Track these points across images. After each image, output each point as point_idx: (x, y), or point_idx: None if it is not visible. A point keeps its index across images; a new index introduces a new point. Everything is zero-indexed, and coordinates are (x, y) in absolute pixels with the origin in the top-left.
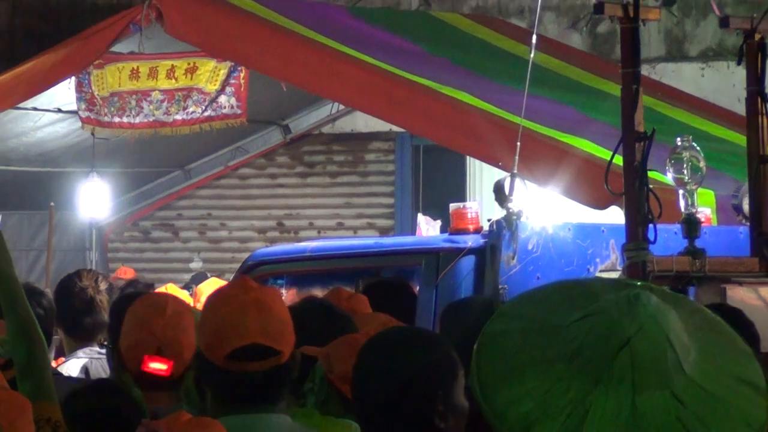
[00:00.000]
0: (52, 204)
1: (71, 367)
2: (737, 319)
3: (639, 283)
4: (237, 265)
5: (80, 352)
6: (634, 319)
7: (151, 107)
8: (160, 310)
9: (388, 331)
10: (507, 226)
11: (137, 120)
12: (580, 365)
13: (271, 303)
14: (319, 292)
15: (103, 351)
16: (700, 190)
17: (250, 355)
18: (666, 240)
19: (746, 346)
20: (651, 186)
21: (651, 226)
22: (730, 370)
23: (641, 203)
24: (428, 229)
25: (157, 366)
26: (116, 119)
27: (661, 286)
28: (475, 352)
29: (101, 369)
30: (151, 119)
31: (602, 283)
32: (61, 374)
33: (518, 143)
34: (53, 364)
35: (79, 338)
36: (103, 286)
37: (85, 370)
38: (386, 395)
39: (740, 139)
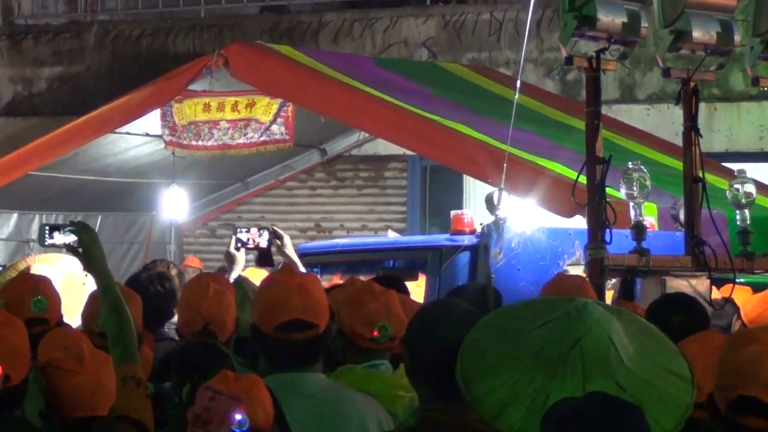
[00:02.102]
0: (153, 213)
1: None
2: (692, 305)
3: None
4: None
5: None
6: (582, 323)
7: (220, 133)
8: (204, 292)
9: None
10: (495, 229)
11: (209, 143)
12: (541, 361)
13: (311, 286)
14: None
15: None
16: (645, 203)
17: (293, 327)
18: (619, 241)
19: (674, 346)
20: (608, 199)
21: (607, 230)
22: (661, 364)
23: (600, 212)
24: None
25: None
26: (193, 142)
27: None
28: (459, 355)
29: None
30: (219, 143)
31: (560, 298)
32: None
33: (504, 165)
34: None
35: None
36: (173, 272)
37: None
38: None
39: (677, 164)
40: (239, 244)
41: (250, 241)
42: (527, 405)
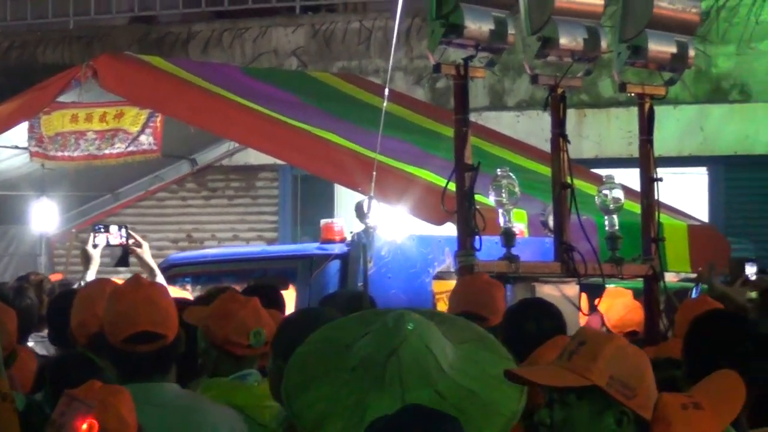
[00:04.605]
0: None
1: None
2: (549, 311)
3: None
4: None
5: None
6: (399, 333)
7: (86, 144)
8: (100, 295)
9: None
10: (365, 237)
11: (75, 154)
12: (360, 373)
13: (158, 297)
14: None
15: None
16: (515, 209)
17: (141, 339)
18: (489, 248)
19: (508, 354)
20: (477, 206)
21: (477, 237)
22: (489, 372)
23: (469, 219)
24: None
25: None
26: (59, 153)
27: (441, 312)
28: (286, 368)
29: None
30: (86, 153)
31: (384, 309)
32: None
33: (374, 173)
34: None
35: None
36: (47, 285)
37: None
38: None
39: (546, 171)
40: (96, 243)
41: (108, 239)
42: (346, 418)
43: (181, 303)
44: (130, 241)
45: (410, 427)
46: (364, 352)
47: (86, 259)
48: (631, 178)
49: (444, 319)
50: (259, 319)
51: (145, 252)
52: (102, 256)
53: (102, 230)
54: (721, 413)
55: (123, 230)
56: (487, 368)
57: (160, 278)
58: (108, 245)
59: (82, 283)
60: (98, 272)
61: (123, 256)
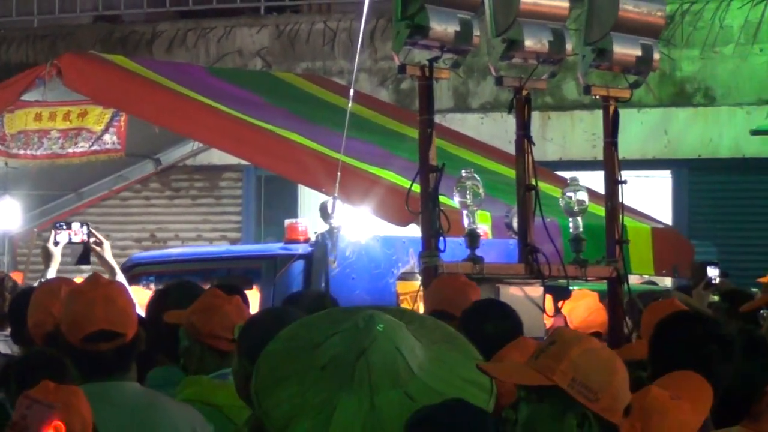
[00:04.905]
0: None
1: None
2: (505, 312)
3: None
4: None
5: None
6: (368, 334)
7: (50, 143)
8: (55, 294)
9: None
10: (329, 237)
11: (38, 152)
12: (329, 373)
13: (116, 295)
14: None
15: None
16: (479, 211)
17: (100, 338)
18: (453, 249)
19: (478, 355)
20: (441, 208)
21: (441, 238)
22: (459, 374)
23: (434, 221)
24: None
25: None
26: (21, 151)
27: (410, 311)
28: (255, 367)
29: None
30: (49, 152)
31: (355, 308)
32: None
33: (338, 173)
34: None
35: None
36: (9, 284)
37: None
38: None
39: (510, 173)
40: (58, 240)
41: (70, 237)
42: (314, 417)
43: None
44: (92, 239)
45: (451, 419)
46: (334, 351)
47: (47, 257)
48: (594, 181)
49: (413, 318)
50: (243, 314)
51: (106, 250)
52: (63, 254)
53: (63, 227)
54: (698, 407)
55: (84, 228)
56: (456, 370)
57: (121, 277)
58: (69, 243)
59: (43, 281)
60: (59, 270)
61: (84, 253)
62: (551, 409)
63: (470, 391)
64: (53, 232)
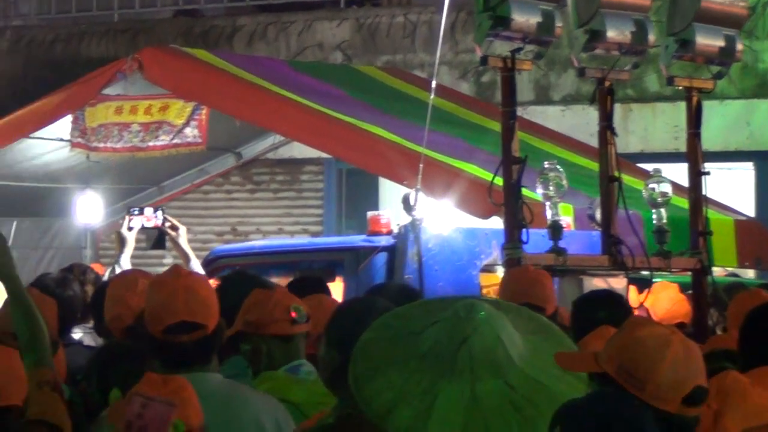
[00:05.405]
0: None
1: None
2: (617, 301)
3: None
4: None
5: (76, 329)
6: (470, 322)
7: (130, 136)
8: (132, 286)
9: None
10: (412, 230)
11: (119, 145)
12: (430, 361)
13: (197, 286)
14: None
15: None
16: (561, 203)
17: (180, 329)
18: (536, 241)
19: (573, 345)
20: (524, 200)
21: (524, 230)
22: (556, 364)
23: (517, 212)
24: None
25: None
26: (101, 145)
27: (505, 302)
28: (352, 355)
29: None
30: (129, 145)
31: (452, 298)
32: (81, 343)
33: (420, 166)
34: None
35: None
36: (91, 276)
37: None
38: None
39: (592, 165)
40: (131, 225)
41: (144, 222)
42: (415, 405)
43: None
44: (166, 225)
45: (601, 407)
46: (435, 339)
47: (121, 242)
48: (676, 172)
49: (510, 308)
50: (293, 298)
51: (182, 236)
52: (138, 241)
53: (137, 213)
54: None
55: (159, 213)
56: (552, 359)
57: (196, 264)
58: (143, 228)
59: (116, 267)
60: (134, 256)
61: (159, 238)
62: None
63: (567, 380)
64: (127, 217)
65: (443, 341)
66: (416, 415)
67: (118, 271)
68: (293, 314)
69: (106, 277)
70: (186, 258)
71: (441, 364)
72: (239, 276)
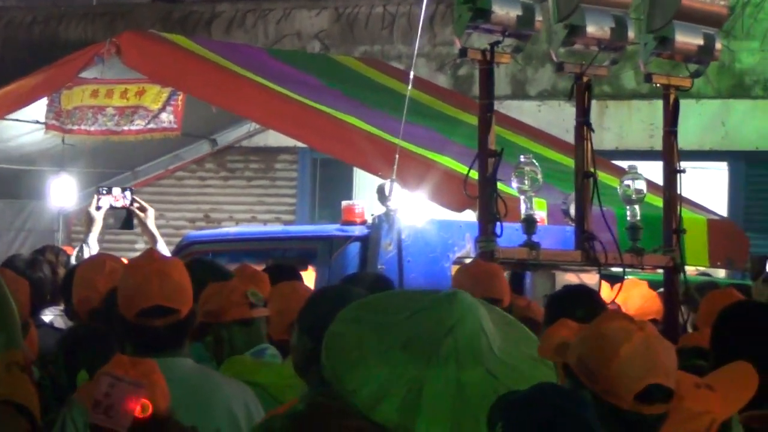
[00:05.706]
0: (41, 200)
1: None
2: (593, 298)
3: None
4: (171, 247)
5: (46, 311)
6: (454, 312)
7: (104, 119)
8: (100, 269)
9: None
10: (386, 220)
11: (93, 128)
12: (412, 351)
13: (171, 270)
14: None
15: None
16: (536, 198)
17: (154, 313)
18: (509, 235)
19: (535, 336)
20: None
21: (498, 223)
22: (526, 353)
23: (491, 205)
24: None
25: None
26: (75, 127)
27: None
28: (323, 349)
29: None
30: (103, 128)
31: (422, 291)
32: (51, 325)
33: (396, 157)
34: None
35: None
36: (62, 258)
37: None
38: None
39: (566, 161)
40: (99, 205)
41: (112, 202)
42: (402, 396)
43: None
44: (135, 205)
45: (544, 402)
46: (417, 329)
47: (89, 221)
48: (650, 171)
49: (480, 301)
50: (248, 284)
51: (149, 218)
52: (107, 224)
53: (105, 192)
54: (732, 399)
55: (127, 193)
56: (524, 349)
57: (162, 246)
58: (112, 208)
59: (84, 246)
60: (106, 240)
61: (127, 218)
62: (571, 385)
63: (540, 368)
64: (96, 196)
65: (427, 331)
66: (404, 405)
67: (86, 250)
68: (250, 300)
69: (73, 256)
70: (153, 239)
71: (424, 354)
72: (197, 264)
